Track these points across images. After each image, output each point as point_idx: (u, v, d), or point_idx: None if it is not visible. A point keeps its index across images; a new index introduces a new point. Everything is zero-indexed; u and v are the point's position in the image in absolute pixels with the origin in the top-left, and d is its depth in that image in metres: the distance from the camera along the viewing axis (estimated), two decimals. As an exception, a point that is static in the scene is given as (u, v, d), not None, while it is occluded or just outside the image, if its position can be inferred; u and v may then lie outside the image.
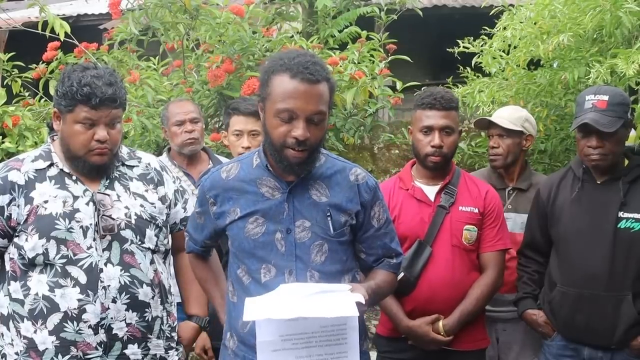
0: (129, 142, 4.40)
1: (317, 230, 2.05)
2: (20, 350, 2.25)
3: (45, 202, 2.26)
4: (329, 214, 2.06)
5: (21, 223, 2.26)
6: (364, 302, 1.90)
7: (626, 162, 2.76)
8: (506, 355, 3.26)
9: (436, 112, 2.75)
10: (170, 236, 2.51)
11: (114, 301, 2.25)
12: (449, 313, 2.72)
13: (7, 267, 2.31)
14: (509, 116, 3.30)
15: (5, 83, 5.03)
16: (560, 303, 2.76)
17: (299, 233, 2.04)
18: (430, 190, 2.82)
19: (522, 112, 3.39)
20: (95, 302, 2.23)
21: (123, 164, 2.41)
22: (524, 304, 2.92)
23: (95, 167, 2.30)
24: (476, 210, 2.79)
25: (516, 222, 3.21)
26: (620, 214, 2.66)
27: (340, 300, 1.87)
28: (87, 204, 2.29)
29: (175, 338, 2.47)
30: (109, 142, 2.27)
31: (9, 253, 2.30)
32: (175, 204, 2.49)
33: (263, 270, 2.05)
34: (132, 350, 2.30)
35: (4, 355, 2.29)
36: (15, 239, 2.28)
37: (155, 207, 2.40)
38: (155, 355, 2.36)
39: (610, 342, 2.67)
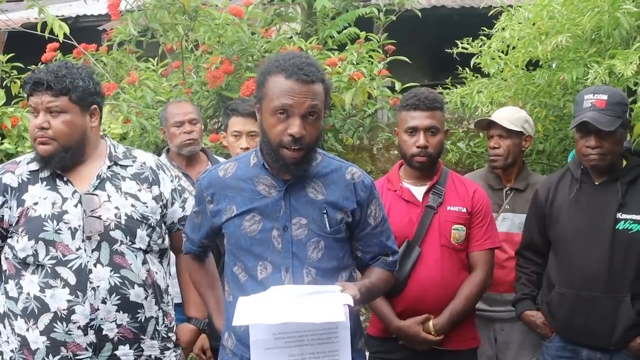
0: (128, 143, 4.40)
1: (314, 227, 2.07)
2: (15, 348, 2.27)
3: (35, 204, 2.29)
4: (325, 211, 2.08)
5: (13, 225, 2.30)
6: (352, 303, 1.92)
7: (624, 163, 2.76)
8: (504, 355, 3.26)
9: (420, 113, 2.76)
10: (168, 236, 2.50)
11: (103, 302, 2.25)
12: (439, 313, 2.73)
13: (5, 266, 2.34)
14: (509, 116, 3.31)
15: (4, 84, 5.03)
16: (558, 304, 2.76)
17: (296, 230, 2.07)
18: (418, 191, 2.83)
19: (522, 113, 3.40)
20: (84, 303, 2.23)
21: (116, 164, 2.41)
22: (522, 305, 2.92)
23: (41, 158, 2.31)
24: (464, 210, 2.80)
25: (514, 222, 3.21)
26: (619, 215, 2.66)
27: (329, 304, 1.89)
28: (76, 205, 2.29)
29: (173, 338, 2.46)
30: (50, 132, 2.27)
31: (5, 253, 2.33)
32: (172, 203, 2.47)
33: (259, 268, 2.07)
34: (124, 351, 2.29)
35: (1, 353, 2.31)
36: (9, 240, 2.31)
37: (147, 206, 2.38)
38: (150, 356, 2.36)
39: (609, 343, 2.67)
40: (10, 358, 2.28)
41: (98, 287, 2.24)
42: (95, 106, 2.37)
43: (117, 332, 2.27)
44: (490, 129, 3.34)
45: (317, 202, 2.09)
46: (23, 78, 2.36)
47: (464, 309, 2.75)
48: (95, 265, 2.26)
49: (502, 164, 3.28)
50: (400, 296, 2.74)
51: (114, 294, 2.26)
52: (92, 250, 2.27)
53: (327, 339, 1.92)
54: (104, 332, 2.26)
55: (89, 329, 2.24)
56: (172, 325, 2.47)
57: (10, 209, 2.30)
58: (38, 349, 2.24)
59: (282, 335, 1.90)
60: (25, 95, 2.35)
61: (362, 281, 2.13)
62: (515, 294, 2.98)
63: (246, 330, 2.06)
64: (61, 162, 2.31)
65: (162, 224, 2.45)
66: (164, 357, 2.41)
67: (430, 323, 2.73)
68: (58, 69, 2.29)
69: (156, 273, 2.39)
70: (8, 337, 2.29)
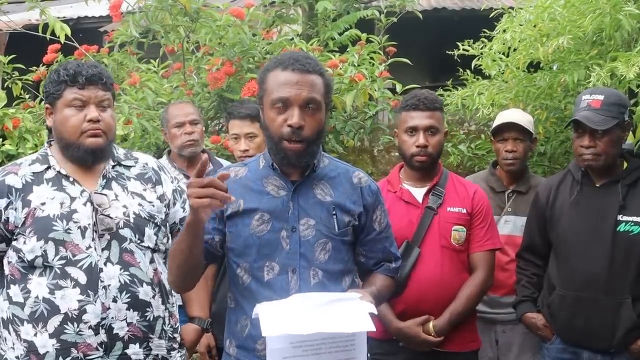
0: (129, 144, 4.40)
1: (322, 228, 2.06)
2: (21, 354, 2.24)
3: (43, 204, 2.27)
4: (334, 212, 2.07)
5: (19, 226, 2.26)
6: (376, 312, 1.91)
7: (625, 164, 2.76)
8: (505, 357, 3.27)
9: (420, 113, 2.78)
10: (170, 236, 2.49)
11: (114, 300, 2.24)
12: (439, 314, 2.73)
13: (7, 271, 2.30)
14: (522, 119, 3.29)
15: (5, 85, 5.03)
16: (559, 306, 2.76)
17: (304, 231, 2.05)
18: (418, 192, 2.84)
19: (529, 115, 3.41)
20: (95, 302, 2.22)
21: (120, 164, 2.41)
22: (523, 307, 2.92)
23: (91, 152, 2.30)
24: (464, 211, 2.80)
25: (516, 224, 3.21)
26: (619, 217, 2.66)
27: (355, 312, 1.88)
28: (85, 204, 2.29)
29: (178, 339, 2.46)
30: (102, 124, 2.29)
31: (8, 257, 2.30)
32: (174, 204, 2.49)
33: (266, 268, 2.05)
34: (134, 350, 2.28)
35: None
36: (14, 243, 2.28)
37: (153, 205, 2.39)
38: (157, 355, 2.35)
39: (610, 345, 2.67)
40: None
41: (109, 285, 2.24)
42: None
43: (128, 331, 2.27)
44: (505, 132, 3.29)
45: (325, 204, 2.08)
46: (58, 67, 2.30)
47: (464, 310, 2.75)
48: (105, 263, 2.25)
49: (519, 167, 3.27)
50: (401, 297, 2.73)
51: (124, 292, 2.26)
52: (102, 249, 2.26)
53: (345, 347, 1.90)
54: (114, 331, 2.25)
55: (100, 328, 2.23)
56: (177, 326, 2.47)
57: (15, 210, 2.27)
58: (47, 352, 2.22)
59: (300, 344, 1.86)
60: (51, 95, 2.31)
61: (370, 288, 2.11)
62: (515, 296, 2.98)
63: (248, 336, 2.05)
64: (108, 156, 2.35)
65: (165, 224, 2.45)
66: (170, 357, 2.40)
67: (430, 324, 2.72)
68: (94, 63, 2.35)
69: (161, 273, 2.39)
70: (13, 344, 2.26)
